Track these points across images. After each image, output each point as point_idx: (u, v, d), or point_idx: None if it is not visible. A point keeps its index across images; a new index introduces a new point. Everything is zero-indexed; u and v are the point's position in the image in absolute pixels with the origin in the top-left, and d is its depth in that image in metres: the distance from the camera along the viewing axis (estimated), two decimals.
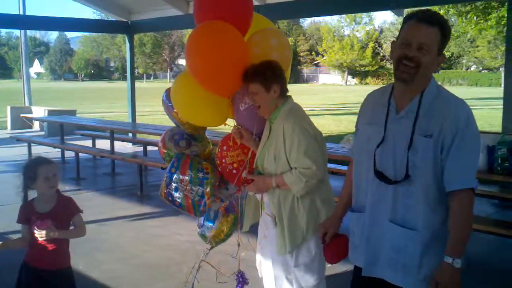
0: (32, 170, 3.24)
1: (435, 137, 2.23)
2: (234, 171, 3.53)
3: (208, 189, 3.61)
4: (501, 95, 6.97)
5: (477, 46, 44.13)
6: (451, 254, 2.22)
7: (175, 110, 3.67)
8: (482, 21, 15.63)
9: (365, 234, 2.46)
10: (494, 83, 49.89)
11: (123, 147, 12.50)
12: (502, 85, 7.29)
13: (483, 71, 56.52)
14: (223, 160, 3.58)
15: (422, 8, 2.61)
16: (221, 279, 3.89)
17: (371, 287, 2.48)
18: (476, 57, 49.96)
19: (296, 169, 3.11)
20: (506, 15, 7.67)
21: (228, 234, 3.82)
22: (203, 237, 3.86)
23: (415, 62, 2.22)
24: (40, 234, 3.14)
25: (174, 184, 3.63)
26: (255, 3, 9.51)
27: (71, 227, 3.35)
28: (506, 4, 7.86)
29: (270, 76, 3.19)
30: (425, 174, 2.26)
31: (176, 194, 3.64)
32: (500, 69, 44.49)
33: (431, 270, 2.29)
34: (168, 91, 3.76)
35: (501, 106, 7.20)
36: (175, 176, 3.62)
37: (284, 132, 3.14)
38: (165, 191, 3.68)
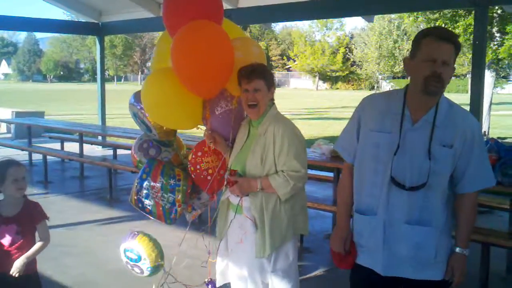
0: (1, 172, 3.18)
1: (456, 147, 2.44)
2: (209, 177, 3.51)
3: (179, 197, 3.59)
4: (468, 101, 7.13)
5: None
6: (463, 246, 2.55)
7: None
8: (450, 28, 15.94)
9: (379, 236, 2.55)
10: (461, 90, 50.85)
11: (93, 150, 12.34)
12: (469, 92, 7.45)
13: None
14: (198, 166, 3.55)
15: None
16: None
17: (383, 284, 2.59)
18: None
19: (283, 172, 3.14)
20: (472, 23, 7.85)
21: (158, 251, 3.74)
22: (155, 269, 3.79)
23: (441, 77, 2.37)
24: (13, 271, 3.10)
25: (145, 191, 3.59)
26: (227, 7, 9.52)
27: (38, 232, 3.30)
28: (472, 12, 8.04)
29: (270, 76, 3.30)
30: (443, 180, 2.48)
31: (147, 201, 3.60)
32: (467, 76, 45.42)
33: (442, 259, 2.55)
34: (136, 94, 3.71)
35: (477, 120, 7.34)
36: (146, 182, 3.59)
37: (274, 134, 3.17)
38: (135, 197, 3.64)
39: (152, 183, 3.57)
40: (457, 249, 2.55)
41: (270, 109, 3.30)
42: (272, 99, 3.34)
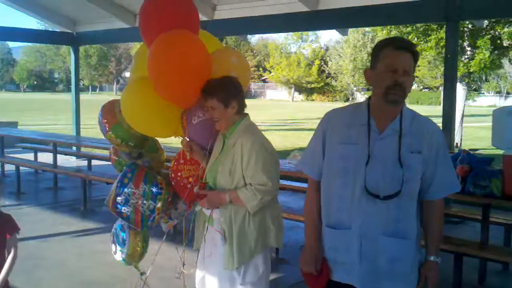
0: None
1: (424, 153, 2.46)
2: (189, 186, 3.49)
3: (159, 205, 3.56)
4: (441, 113, 7.25)
5: (418, 66, 45.64)
6: (435, 253, 2.57)
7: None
8: (422, 42, 16.21)
9: (355, 250, 2.50)
10: (434, 102, 51.66)
11: (67, 160, 12.20)
12: (442, 104, 7.58)
13: (424, 90, 58.50)
14: (179, 174, 3.54)
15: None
16: None
17: None
18: (417, 76, 51.67)
19: (251, 185, 3.12)
20: (444, 37, 8.01)
21: (142, 252, 3.78)
22: (126, 263, 3.81)
23: (403, 87, 2.39)
24: None
25: (124, 196, 3.56)
26: (203, 18, 9.55)
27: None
28: (444, 27, 8.21)
29: (229, 92, 3.19)
30: (415, 187, 2.49)
31: (125, 206, 3.56)
32: (440, 89, 46.20)
33: (414, 272, 2.56)
34: (104, 108, 3.70)
35: (440, 124, 7.48)
36: (127, 187, 3.55)
37: (242, 147, 3.14)
38: (113, 201, 3.60)
39: (133, 189, 3.54)
40: (431, 258, 2.55)
41: (242, 121, 3.26)
42: (242, 110, 3.27)
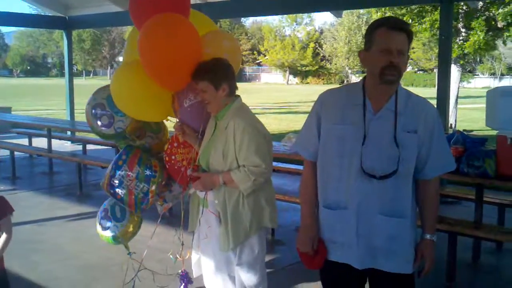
0: None
1: (419, 133, 2.47)
2: (183, 169, 3.50)
3: (153, 188, 3.57)
4: (435, 95, 7.27)
5: (413, 48, 45.58)
6: (431, 232, 2.60)
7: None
8: (416, 24, 16.16)
9: (352, 229, 2.51)
10: (429, 84, 51.64)
11: (62, 145, 12.17)
12: (436, 86, 7.59)
13: (418, 72, 58.46)
14: (173, 157, 3.55)
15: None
16: (162, 280, 3.88)
17: (357, 278, 2.60)
18: (411, 58, 51.56)
19: (244, 167, 3.13)
20: (439, 18, 8.00)
21: (134, 233, 3.81)
22: (114, 240, 3.81)
23: (398, 68, 2.40)
24: None
25: (118, 177, 3.56)
26: (197, 1, 9.48)
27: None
28: (439, 8, 8.19)
29: (219, 75, 3.19)
30: (410, 167, 2.49)
31: (119, 188, 3.57)
32: (434, 71, 46.15)
33: (411, 252, 2.58)
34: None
35: (435, 106, 7.51)
36: (121, 169, 3.55)
37: (234, 129, 3.15)
38: (108, 183, 3.60)
39: (128, 171, 3.54)
40: (427, 236, 2.58)
41: (233, 103, 3.27)
42: (233, 92, 3.28)
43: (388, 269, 2.52)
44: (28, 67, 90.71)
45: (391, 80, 2.41)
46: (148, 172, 3.55)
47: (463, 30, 16.44)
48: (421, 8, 15.76)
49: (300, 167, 6.91)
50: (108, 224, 3.75)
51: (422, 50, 40.71)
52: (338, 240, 2.58)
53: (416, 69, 58.18)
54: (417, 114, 2.49)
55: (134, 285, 3.85)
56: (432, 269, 2.61)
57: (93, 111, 3.61)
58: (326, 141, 2.58)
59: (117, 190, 3.57)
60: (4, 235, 3.20)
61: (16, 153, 9.59)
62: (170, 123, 3.70)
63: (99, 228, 3.82)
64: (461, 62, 17.46)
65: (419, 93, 2.63)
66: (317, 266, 2.64)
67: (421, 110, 2.50)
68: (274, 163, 6.09)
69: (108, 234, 3.78)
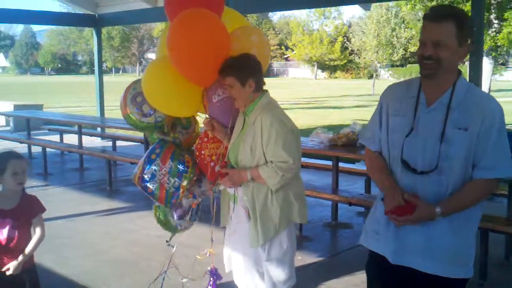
0: (1, 163, 3.15)
1: (472, 130, 2.32)
2: (212, 164, 3.51)
3: (185, 183, 3.56)
4: None
5: None
6: (444, 208, 2.35)
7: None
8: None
9: (391, 223, 2.48)
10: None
11: (92, 141, 12.34)
12: (467, 79, 7.45)
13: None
14: (202, 152, 3.55)
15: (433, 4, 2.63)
16: (190, 275, 3.89)
17: (394, 272, 2.52)
18: None
19: (272, 163, 3.11)
20: (470, 10, 7.84)
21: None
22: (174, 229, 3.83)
23: (434, 59, 2.32)
24: (7, 269, 3.10)
25: (151, 171, 3.56)
26: None
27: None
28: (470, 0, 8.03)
29: (246, 70, 3.18)
30: (456, 165, 2.36)
31: (151, 182, 3.57)
32: (466, 63, 45.37)
33: (460, 256, 2.43)
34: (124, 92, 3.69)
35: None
36: (154, 163, 3.55)
37: (262, 125, 3.14)
38: (139, 175, 3.60)
39: (160, 165, 3.54)
40: (438, 208, 2.35)
41: (261, 98, 3.25)
42: (260, 88, 3.25)
43: (425, 269, 2.44)
44: (59, 65, 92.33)
45: (425, 74, 2.38)
46: (181, 167, 3.54)
47: (496, 21, 16.10)
48: (452, 0, 15.50)
49: (329, 163, 6.87)
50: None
51: None
52: (380, 232, 2.57)
53: None
54: (472, 110, 2.35)
55: (163, 281, 3.87)
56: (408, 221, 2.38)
57: (134, 99, 3.61)
58: (384, 132, 2.58)
59: (148, 184, 3.57)
60: (37, 234, 3.25)
61: (47, 149, 9.76)
62: (201, 119, 3.70)
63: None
64: (493, 54, 17.13)
65: None
66: (411, 211, 2.41)
67: (478, 107, 2.35)
68: (302, 159, 6.09)
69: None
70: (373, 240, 2.62)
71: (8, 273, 3.09)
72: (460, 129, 2.33)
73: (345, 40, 62.69)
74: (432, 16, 2.33)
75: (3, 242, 3.14)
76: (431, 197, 2.40)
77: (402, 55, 41.07)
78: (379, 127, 2.61)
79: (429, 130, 2.39)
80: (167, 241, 3.87)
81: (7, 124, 16.11)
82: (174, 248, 3.80)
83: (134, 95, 3.61)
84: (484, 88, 13.77)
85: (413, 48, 44.28)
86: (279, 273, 3.34)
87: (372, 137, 2.67)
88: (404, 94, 2.52)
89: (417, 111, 2.43)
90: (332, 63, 64.86)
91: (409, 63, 55.27)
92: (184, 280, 3.83)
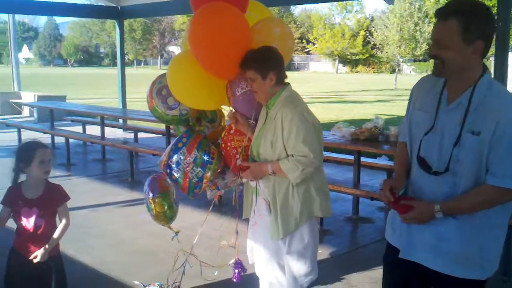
0: (28, 153, 3.20)
1: (484, 135, 2.22)
2: (237, 156, 3.51)
3: (208, 174, 3.57)
4: None
5: None
6: (442, 206, 2.31)
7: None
8: None
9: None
10: None
11: (114, 133, 12.46)
12: (492, 75, 7.30)
13: None
14: (228, 144, 3.56)
15: None
16: (213, 268, 3.91)
17: (408, 269, 2.51)
18: None
19: (293, 157, 3.11)
20: (496, 4, 7.72)
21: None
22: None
23: (439, 58, 2.28)
24: (35, 256, 3.15)
25: (176, 159, 3.59)
26: None
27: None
28: None
29: (267, 63, 3.17)
30: (468, 169, 2.29)
31: (176, 169, 3.59)
32: (490, 59, 44.72)
33: (476, 257, 2.34)
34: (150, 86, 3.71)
35: None
36: (180, 151, 3.57)
37: (282, 119, 3.13)
38: (165, 162, 3.64)
39: (186, 154, 3.56)
40: (437, 206, 2.31)
41: (282, 92, 3.24)
42: (282, 81, 3.25)
43: (434, 267, 2.41)
44: (82, 57, 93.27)
45: (434, 72, 2.35)
46: (205, 158, 3.55)
47: None
48: None
49: (350, 157, 6.84)
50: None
51: None
52: (396, 226, 2.56)
53: None
54: (487, 114, 2.22)
55: (184, 271, 3.90)
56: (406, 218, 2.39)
57: (160, 92, 3.64)
58: (408, 125, 2.56)
59: (173, 171, 3.60)
60: (63, 222, 3.31)
61: (70, 140, 9.88)
62: (226, 112, 3.71)
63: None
64: None
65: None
66: (400, 211, 2.45)
67: (494, 111, 2.21)
68: (324, 153, 6.09)
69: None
70: (390, 232, 2.64)
71: (35, 260, 3.14)
72: (473, 134, 2.24)
73: (367, 34, 62.13)
74: (438, 14, 2.27)
75: (31, 230, 3.20)
76: (442, 198, 2.36)
77: (425, 50, 40.52)
78: (406, 119, 2.61)
79: (446, 131, 2.34)
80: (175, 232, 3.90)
81: (31, 115, 16.34)
82: (195, 240, 3.82)
83: (159, 88, 3.64)
84: (510, 84, 13.54)
85: None
86: (300, 267, 3.33)
87: (402, 128, 2.69)
88: (432, 89, 2.47)
89: (439, 108, 2.38)
90: (353, 57, 64.37)
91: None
92: (215, 273, 3.85)
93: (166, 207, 3.76)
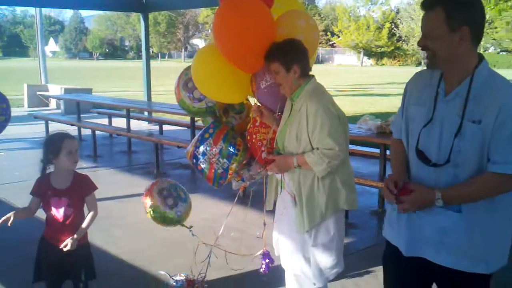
0: (56, 143, 3.24)
1: (486, 123, 2.18)
2: (263, 148, 3.52)
3: (234, 165, 3.59)
4: None
5: (496, 28, 43.46)
6: (443, 193, 2.25)
7: None
8: (501, 1, 15.37)
9: (404, 214, 2.43)
10: None
11: (139, 125, 12.56)
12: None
13: (501, 53, 55.69)
14: (254, 136, 3.56)
15: None
16: (236, 258, 3.92)
17: (408, 264, 2.48)
18: (494, 39, 49.18)
19: (318, 150, 3.09)
20: None
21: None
22: (179, 221, 3.87)
23: (428, 50, 2.28)
24: (65, 245, 3.19)
25: (202, 149, 3.61)
26: None
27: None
28: None
29: (290, 56, 3.15)
30: (471, 159, 2.24)
31: (202, 160, 3.61)
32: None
33: (475, 248, 2.30)
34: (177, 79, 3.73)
35: None
36: (206, 142, 3.59)
37: (307, 111, 3.11)
38: (192, 153, 3.66)
39: (212, 145, 3.58)
40: (438, 193, 2.26)
41: (307, 84, 3.21)
42: (306, 73, 3.22)
43: (439, 261, 2.36)
44: (107, 50, 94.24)
45: (427, 64, 2.35)
46: (231, 149, 3.56)
47: None
48: None
49: (376, 150, 6.79)
50: (173, 203, 3.77)
51: (505, 30, 38.68)
52: (394, 222, 2.53)
53: (499, 50, 55.47)
54: (487, 101, 2.18)
55: (209, 261, 3.92)
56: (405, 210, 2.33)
57: (186, 85, 3.67)
58: (405, 121, 2.51)
59: (199, 161, 3.62)
60: (91, 212, 3.36)
61: (97, 132, 9.99)
62: (253, 103, 3.71)
63: (162, 207, 3.79)
64: None
65: (503, 75, 2.35)
66: (401, 194, 2.39)
67: (495, 98, 2.18)
68: (349, 146, 6.07)
69: (173, 214, 3.80)
70: (389, 230, 2.59)
71: (65, 249, 3.19)
72: (474, 122, 2.19)
73: (392, 26, 61.62)
74: (424, 4, 2.26)
75: (60, 220, 3.26)
76: None
77: None
78: (401, 116, 2.55)
79: (445, 122, 2.29)
80: (188, 227, 3.92)
81: (58, 107, 16.56)
82: (220, 231, 3.84)
83: (186, 81, 3.66)
84: None
85: None
86: (325, 259, 3.33)
87: (396, 124, 2.64)
88: (428, 83, 2.43)
89: (437, 100, 2.34)
90: (379, 50, 63.84)
91: None
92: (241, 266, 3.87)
93: (161, 220, 3.81)
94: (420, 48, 2.31)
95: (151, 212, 3.76)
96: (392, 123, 2.73)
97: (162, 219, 3.75)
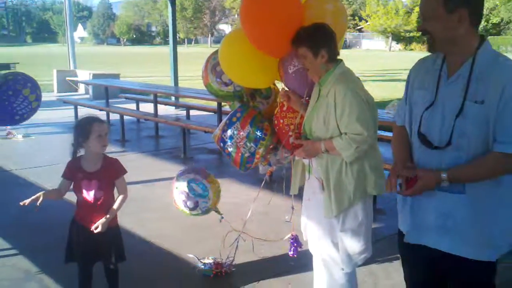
0: (86, 127, 3.28)
1: (489, 103, 2.14)
2: (290, 133, 3.51)
3: (261, 150, 3.59)
4: None
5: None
6: (449, 173, 2.23)
7: None
8: None
9: (408, 201, 2.43)
10: None
11: (166, 110, 12.64)
12: None
13: None
14: (281, 121, 3.55)
15: None
16: (263, 242, 3.94)
17: (417, 252, 2.46)
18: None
19: (346, 135, 3.07)
20: None
21: (219, 196, 3.96)
22: (206, 211, 3.95)
23: (427, 33, 2.27)
24: (96, 227, 3.25)
25: (230, 133, 3.62)
26: None
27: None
28: None
29: (318, 40, 3.11)
30: (474, 141, 2.21)
31: (229, 143, 3.63)
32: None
33: (480, 234, 2.26)
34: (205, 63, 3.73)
35: None
36: (234, 126, 3.61)
37: (335, 96, 3.07)
38: (219, 136, 3.68)
39: (239, 129, 3.59)
40: (443, 173, 2.24)
41: (335, 69, 3.17)
42: (334, 58, 3.17)
43: (442, 248, 2.33)
44: (134, 36, 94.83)
45: (427, 48, 2.36)
46: (258, 134, 3.57)
47: None
48: None
49: None
50: (191, 204, 3.84)
51: None
52: (401, 209, 2.54)
53: None
54: (491, 81, 2.15)
55: (237, 246, 3.95)
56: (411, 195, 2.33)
57: (214, 69, 3.68)
58: (408, 107, 2.50)
59: (226, 145, 3.64)
60: (121, 194, 3.40)
61: (125, 117, 10.09)
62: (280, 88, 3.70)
63: (188, 207, 3.90)
64: None
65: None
66: (409, 186, 2.39)
67: (498, 77, 2.15)
68: (377, 132, 6.00)
69: (193, 212, 3.88)
70: (399, 216, 2.59)
71: (96, 231, 3.24)
72: (477, 103, 2.16)
73: None
74: None
75: (91, 202, 3.31)
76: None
77: (483, 26, 39.09)
78: (404, 102, 2.53)
79: (448, 104, 2.26)
80: (220, 214, 3.94)
81: (86, 92, 16.78)
82: (248, 215, 3.86)
83: (214, 65, 3.66)
84: None
85: (495, 19, 42.02)
86: (354, 244, 3.31)
87: (399, 111, 2.61)
88: (430, 67, 2.40)
89: (439, 83, 2.31)
90: (407, 34, 62.93)
91: (490, 34, 52.80)
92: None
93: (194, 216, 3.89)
94: (420, 32, 2.30)
95: (184, 213, 3.90)
96: (396, 111, 2.69)
97: (194, 216, 3.91)
